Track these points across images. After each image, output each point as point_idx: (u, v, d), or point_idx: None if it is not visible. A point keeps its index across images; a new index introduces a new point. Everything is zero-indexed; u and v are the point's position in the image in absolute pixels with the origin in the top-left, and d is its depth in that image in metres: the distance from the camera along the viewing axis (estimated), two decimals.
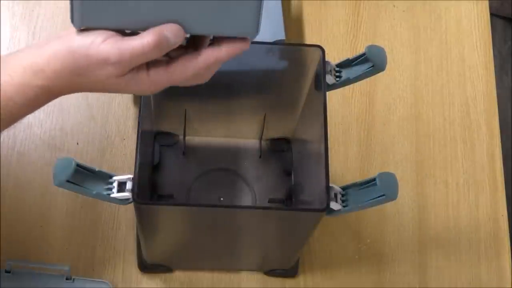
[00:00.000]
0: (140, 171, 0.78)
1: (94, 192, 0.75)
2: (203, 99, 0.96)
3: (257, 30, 0.65)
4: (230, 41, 0.66)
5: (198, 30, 0.65)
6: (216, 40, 0.67)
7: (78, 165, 0.74)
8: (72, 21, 0.63)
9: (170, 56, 0.67)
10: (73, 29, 0.65)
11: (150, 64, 0.66)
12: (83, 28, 0.64)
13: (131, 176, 0.77)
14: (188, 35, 0.66)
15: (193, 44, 0.68)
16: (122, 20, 0.64)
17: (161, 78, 0.66)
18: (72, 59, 0.64)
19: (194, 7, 0.63)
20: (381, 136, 1.11)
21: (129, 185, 0.76)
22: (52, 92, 0.67)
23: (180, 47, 0.67)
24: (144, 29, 0.64)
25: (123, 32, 0.65)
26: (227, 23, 0.64)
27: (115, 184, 0.76)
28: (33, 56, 0.66)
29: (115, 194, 0.76)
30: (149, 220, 0.83)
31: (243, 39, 0.66)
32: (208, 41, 0.68)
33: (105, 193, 0.76)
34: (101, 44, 0.63)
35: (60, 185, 0.74)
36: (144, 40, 0.63)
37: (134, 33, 0.64)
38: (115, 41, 0.63)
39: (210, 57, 0.66)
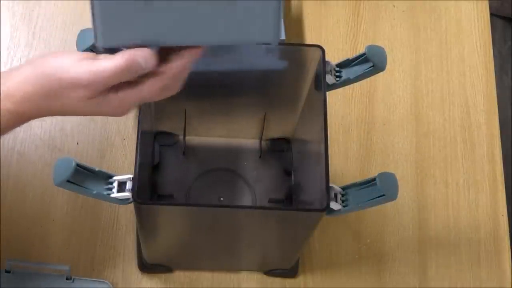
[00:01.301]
0: (140, 171, 0.78)
1: (94, 192, 0.76)
2: (203, 99, 0.96)
3: (278, 36, 0.65)
4: (190, 47, 0.66)
5: (220, 40, 0.66)
6: (177, 49, 0.67)
7: (78, 165, 0.74)
8: (96, 41, 0.64)
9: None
10: (45, 54, 0.66)
11: (118, 85, 0.66)
12: (107, 48, 0.65)
13: (131, 176, 0.77)
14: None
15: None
16: (144, 37, 0.64)
17: (131, 97, 0.67)
18: (45, 82, 0.65)
19: (215, 19, 0.64)
20: (381, 136, 1.11)
21: (129, 185, 0.76)
22: (22, 116, 0.68)
23: None
24: (167, 43, 0.64)
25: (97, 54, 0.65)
26: (248, 31, 0.65)
27: (115, 184, 0.76)
28: (4, 81, 0.66)
29: (115, 194, 0.76)
30: (149, 220, 0.83)
31: None
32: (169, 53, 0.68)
33: (105, 193, 0.76)
34: (73, 67, 0.64)
35: (60, 185, 0.74)
36: (116, 63, 0.63)
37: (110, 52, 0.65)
38: (87, 63, 0.64)
39: (174, 67, 0.66)
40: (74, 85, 0.64)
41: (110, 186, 0.77)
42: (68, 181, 0.74)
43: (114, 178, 0.77)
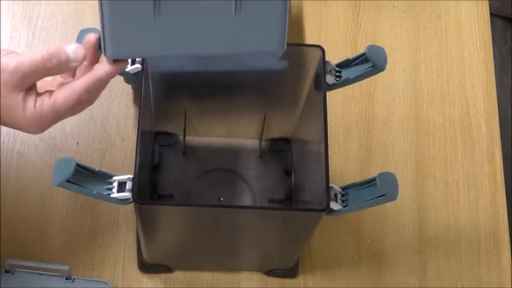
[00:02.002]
0: (140, 171, 0.78)
1: (94, 192, 0.76)
2: (203, 99, 0.96)
3: (283, 46, 0.67)
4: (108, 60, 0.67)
5: (227, 51, 0.67)
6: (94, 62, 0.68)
7: (78, 165, 0.74)
8: (105, 53, 0.65)
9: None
10: None
11: (38, 95, 0.67)
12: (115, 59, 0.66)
13: (131, 176, 0.77)
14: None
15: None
16: (152, 49, 0.65)
17: (46, 108, 0.67)
18: None
19: (222, 30, 0.65)
20: (381, 136, 1.11)
21: (129, 185, 0.76)
22: None
23: None
24: (174, 55, 0.66)
25: None
26: (255, 42, 0.66)
27: (115, 184, 0.76)
28: None
29: (115, 194, 0.76)
30: (149, 220, 0.83)
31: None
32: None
33: (105, 193, 0.76)
34: (3, 57, 0.65)
35: (60, 185, 0.74)
36: (44, 51, 0.64)
37: None
38: (15, 54, 0.65)
39: (89, 77, 0.67)
40: (1, 69, 0.64)
41: (110, 186, 0.77)
42: (68, 181, 0.74)
43: (114, 178, 0.77)
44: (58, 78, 0.71)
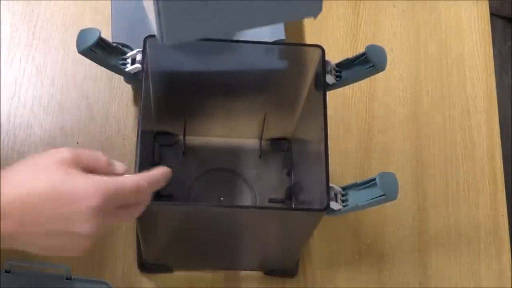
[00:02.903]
0: (140, 171, 0.78)
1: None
2: (203, 99, 0.96)
3: (320, 8, 0.72)
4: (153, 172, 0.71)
5: (270, 21, 0.71)
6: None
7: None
8: (162, 40, 0.68)
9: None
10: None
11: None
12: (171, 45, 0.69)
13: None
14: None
15: None
16: (203, 31, 0.68)
17: (116, 220, 0.69)
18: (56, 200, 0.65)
19: (265, 3, 0.68)
20: (381, 136, 1.11)
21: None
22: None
23: None
24: (225, 33, 0.73)
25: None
26: (295, 9, 0.70)
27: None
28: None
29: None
30: (149, 220, 0.83)
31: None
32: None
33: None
34: (81, 181, 0.65)
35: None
36: (137, 180, 0.68)
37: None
38: (99, 177, 0.66)
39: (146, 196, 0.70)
40: (87, 194, 0.64)
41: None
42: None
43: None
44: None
